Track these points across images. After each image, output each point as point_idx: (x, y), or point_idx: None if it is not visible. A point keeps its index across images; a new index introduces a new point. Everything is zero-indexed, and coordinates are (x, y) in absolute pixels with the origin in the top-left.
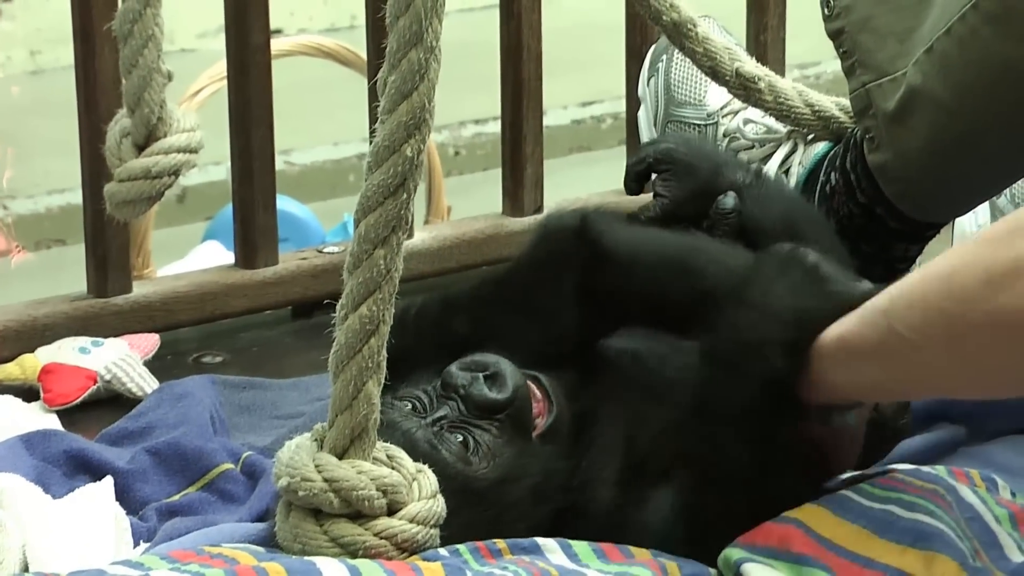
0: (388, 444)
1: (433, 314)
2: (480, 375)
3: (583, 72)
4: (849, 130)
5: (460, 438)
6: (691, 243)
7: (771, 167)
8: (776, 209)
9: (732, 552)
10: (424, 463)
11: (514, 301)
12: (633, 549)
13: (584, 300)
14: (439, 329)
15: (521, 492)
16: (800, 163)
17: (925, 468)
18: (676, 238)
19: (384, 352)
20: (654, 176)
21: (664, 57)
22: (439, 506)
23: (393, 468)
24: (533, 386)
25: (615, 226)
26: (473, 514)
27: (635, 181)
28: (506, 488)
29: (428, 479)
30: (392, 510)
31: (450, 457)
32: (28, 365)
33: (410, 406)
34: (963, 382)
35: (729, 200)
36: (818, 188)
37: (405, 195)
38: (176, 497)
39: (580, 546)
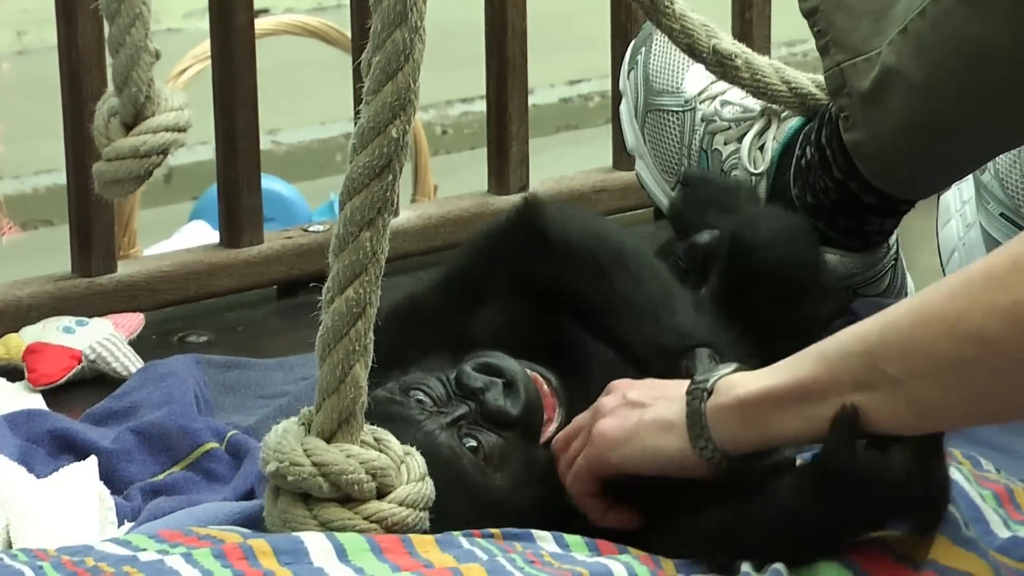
0: (375, 427)
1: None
2: (497, 383)
3: (570, 50)
4: (823, 105)
5: (474, 443)
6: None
7: (745, 143)
8: (766, 257)
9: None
10: (444, 470)
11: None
12: (630, 548)
13: (527, 291)
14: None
15: (529, 500)
16: (774, 138)
17: None
18: (614, 239)
19: (371, 335)
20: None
21: (643, 49)
22: (428, 488)
23: (381, 451)
24: (544, 389)
25: (561, 216)
26: (486, 523)
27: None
28: (516, 497)
29: (416, 462)
30: (381, 493)
31: (470, 467)
32: (12, 345)
33: (423, 396)
34: (968, 419)
35: (705, 237)
36: (793, 162)
37: (391, 176)
38: (160, 476)
39: (572, 539)
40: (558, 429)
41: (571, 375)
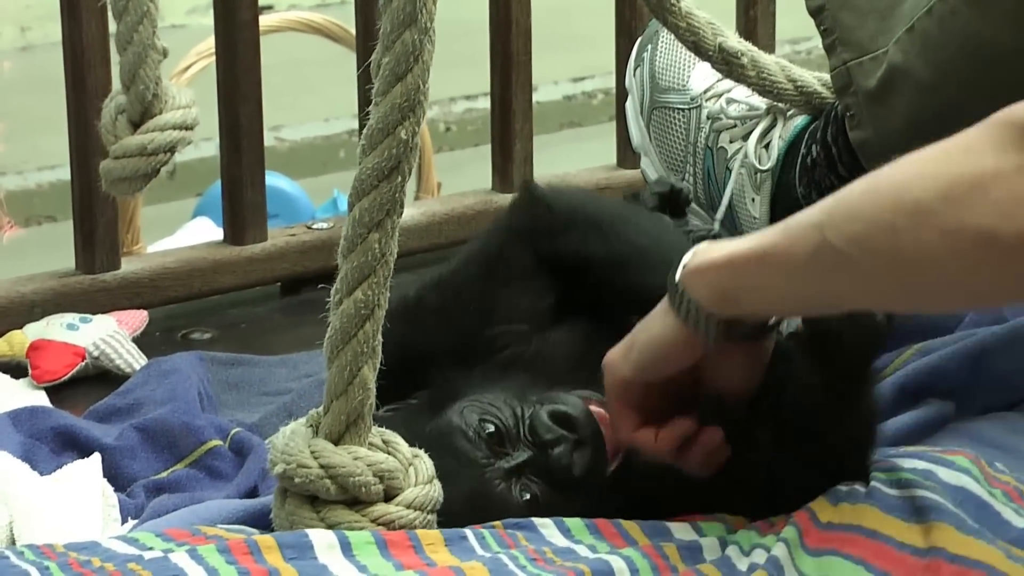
0: (383, 428)
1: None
2: (569, 439)
3: (574, 48)
4: (829, 103)
5: (529, 497)
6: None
7: (751, 141)
8: None
9: (752, 534)
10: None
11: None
12: (633, 534)
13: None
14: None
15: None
16: (780, 136)
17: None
18: (610, 203)
19: (379, 337)
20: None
21: (649, 47)
22: (436, 491)
23: (389, 453)
24: (608, 423)
25: (559, 191)
26: None
27: None
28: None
29: (424, 464)
30: (389, 496)
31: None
32: (16, 341)
33: (493, 430)
34: (901, 296)
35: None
36: (799, 161)
37: (400, 178)
38: (164, 474)
39: (573, 523)
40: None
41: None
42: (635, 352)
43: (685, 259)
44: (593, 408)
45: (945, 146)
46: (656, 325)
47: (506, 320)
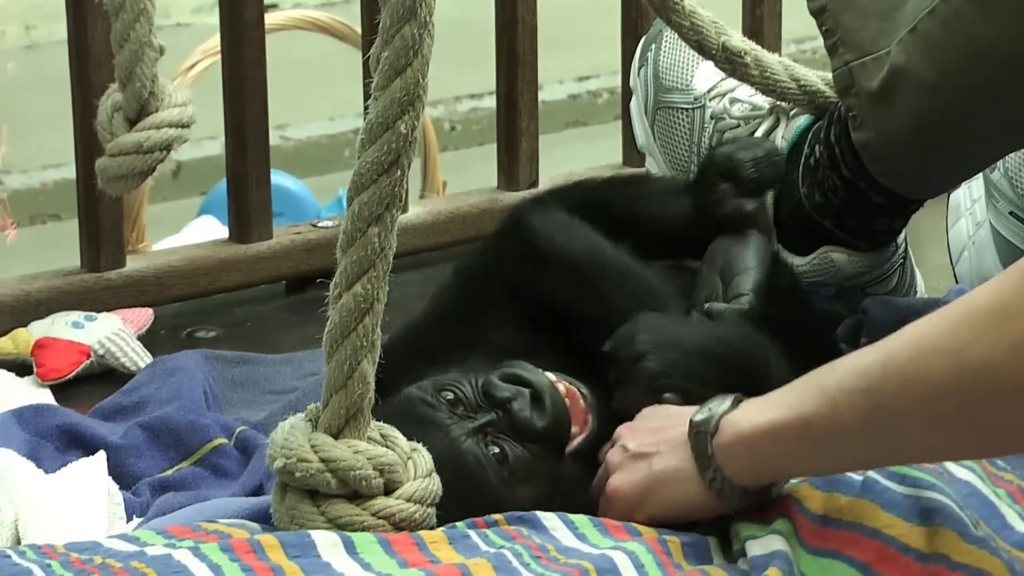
0: (382, 423)
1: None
2: (524, 393)
3: (580, 47)
4: (833, 103)
5: (498, 450)
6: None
7: None
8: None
9: (741, 527)
10: (467, 478)
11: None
12: (638, 527)
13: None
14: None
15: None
16: (783, 137)
17: None
18: (604, 249)
19: (379, 331)
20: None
21: (653, 46)
22: (435, 485)
23: (388, 447)
24: (580, 403)
25: (552, 222)
26: None
27: None
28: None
29: (423, 458)
30: (389, 489)
31: (494, 477)
32: (21, 340)
33: (453, 398)
34: (978, 446)
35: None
36: (802, 161)
37: (399, 172)
38: (169, 472)
39: (578, 517)
40: (587, 439)
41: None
42: (653, 505)
43: (707, 423)
44: (558, 384)
45: (993, 297)
46: (679, 488)
47: (488, 341)
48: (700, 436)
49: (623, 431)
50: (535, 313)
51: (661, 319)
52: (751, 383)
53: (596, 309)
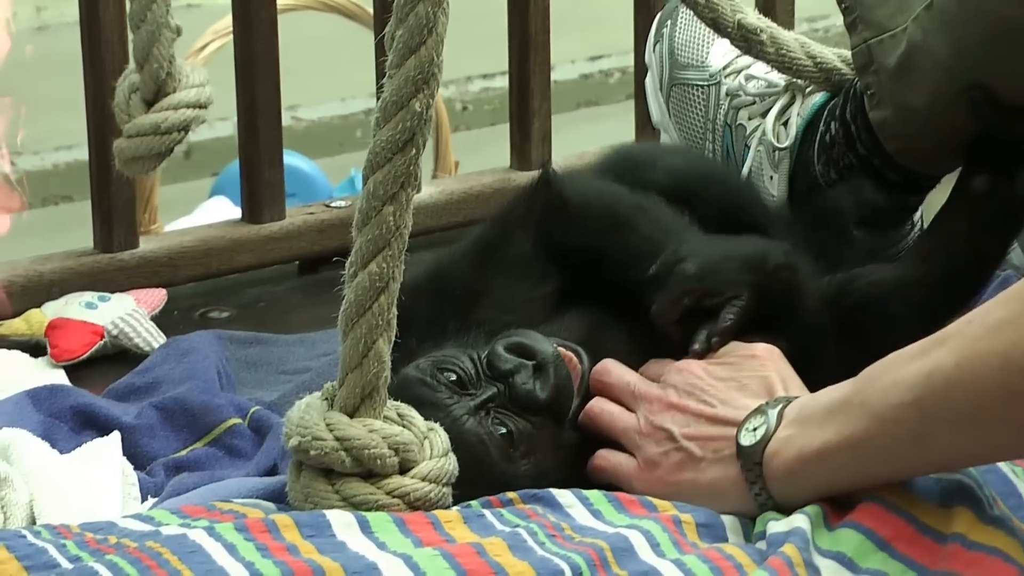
0: (399, 403)
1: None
2: (527, 365)
3: (591, 26)
4: (849, 80)
5: (503, 430)
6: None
7: (769, 119)
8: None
9: (768, 512)
10: (472, 459)
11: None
12: (655, 501)
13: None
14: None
15: (555, 485)
16: (798, 114)
17: None
18: (630, 197)
19: (394, 310)
20: None
21: (668, 22)
22: (451, 464)
23: (404, 426)
24: (576, 367)
25: (578, 183)
26: None
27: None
28: (542, 484)
29: (440, 437)
30: (404, 468)
31: (497, 455)
32: (35, 320)
33: (453, 376)
34: (1013, 449)
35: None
36: (817, 138)
37: (414, 151)
38: (183, 452)
39: (593, 493)
40: (579, 407)
41: (600, 343)
42: (685, 500)
43: (756, 450)
44: (560, 350)
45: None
46: (723, 499)
47: (494, 309)
48: (748, 463)
49: (656, 398)
50: (563, 267)
51: (705, 237)
52: (784, 292)
53: (629, 248)
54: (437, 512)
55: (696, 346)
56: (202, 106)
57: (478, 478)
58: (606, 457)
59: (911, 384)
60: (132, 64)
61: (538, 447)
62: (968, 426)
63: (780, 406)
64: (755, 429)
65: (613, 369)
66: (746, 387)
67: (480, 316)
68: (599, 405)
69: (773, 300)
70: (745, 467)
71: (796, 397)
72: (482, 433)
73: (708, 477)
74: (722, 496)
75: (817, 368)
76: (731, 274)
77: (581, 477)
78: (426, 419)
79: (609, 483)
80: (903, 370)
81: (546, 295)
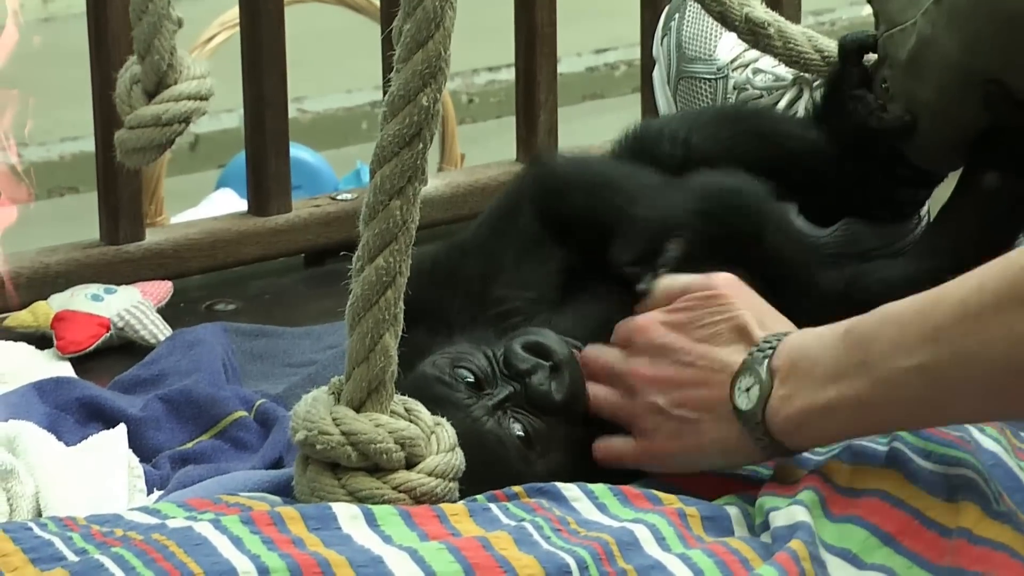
0: (406, 397)
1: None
2: (544, 365)
3: (597, 19)
4: None
5: (520, 430)
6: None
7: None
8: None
9: (765, 500)
10: (490, 458)
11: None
12: (659, 494)
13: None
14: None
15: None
16: (806, 108)
17: None
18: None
19: (401, 304)
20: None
21: (677, 16)
22: (457, 459)
23: (411, 421)
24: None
25: (569, 160)
26: None
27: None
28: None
29: (446, 432)
30: (410, 463)
31: (515, 455)
32: (41, 312)
33: (469, 374)
34: (1020, 411)
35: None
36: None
37: (421, 145)
38: (189, 445)
39: (598, 487)
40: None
41: (600, 324)
42: (691, 466)
43: (751, 409)
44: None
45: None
46: (731, 455)
47: (511, 286)
48: (750, 423)
49: (633, 372)
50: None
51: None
52: (740, 218)
53: (611, 214)
54: (443, 505)
55: (641, 284)
56: (203, 98)
57: (496, 477)
58: (604, 445)
59: (915, 349)
60: (134, 55)
61: (552, 447)
62: (974, 390)
63: (766, 358)
64: (748, 389)
65: (596, 353)
66: (718, 335)
67: (494, 294)
68: (592, 392)
69: (729, 229)
70: (747, 427)
71: (777, 340)
72: (502, 433)
73: (709, 438)
74: (729, 453)
75: (790, 295)
76: (676, 210)
77: (592, 476)
78: (445, 418)
79: (623, 474)
80: (904, 331)
81: (554, 271)
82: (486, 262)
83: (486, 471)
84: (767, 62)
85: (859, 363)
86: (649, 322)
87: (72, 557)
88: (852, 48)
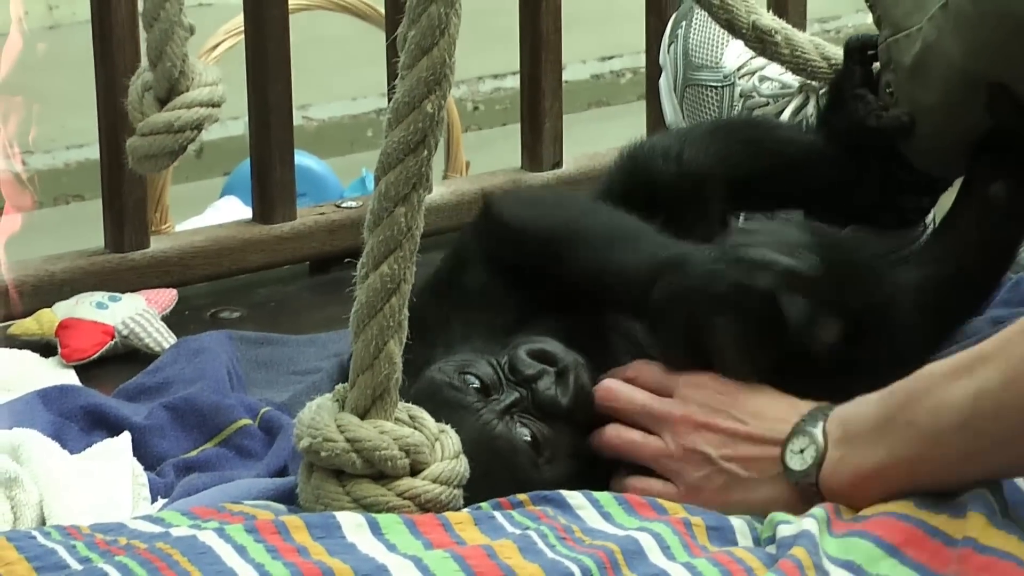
0: (410, 404)
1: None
2: (549, 371)
3: (602, 26)
4: None
5: (528, 435)
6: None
7: (783, 120)
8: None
9: (776, 514)
10: (499, 463)
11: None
12: (664, 503)
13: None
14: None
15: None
16: (812, 115)
17: None
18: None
19: (405, 311)
20: None
21: (683, 23)
22: (462, 466)
23: (415, 428)
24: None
25: (516, 206)
26: None
27: None
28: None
29: (451, 439)
30: (415, 470)
31: (525, 461)
32: (45, 320)
33: (475, 381)
34: None
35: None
36: None
37: (426, 152)
38: (193, 453)
39: (604, 497)
40: None
41: (595, 354)
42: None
43: (804, 470)
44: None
45: None
46: (760, 511)
47: (464, 342)
48: (803, 485)
49: (683, 419)
50: (525, 291)
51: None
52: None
53: (587, 270)
54: (448, 514)
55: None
56: (215, 104)
57: (506, 480)
58: (643, 487)
59: (958, 406)
60: (145, 62)
61: (559, 453)
62: (1019, 443)
63: (820, 423)
64: (802, 451)
65: (619, 390)
66: (765, 390)
67: (495, 320)
68: (618, 433)
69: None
70: (801, 488)
71: (829, 408)
72: (512, 436)
73: (760, 497)
74: (778, 506)
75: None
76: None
77: (596, 483)
78: (456, 423)
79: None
80: (948, 391)
81: (510, 321)
82: (441, 315)
83: (497, 473)
84: (774, 70)
85: (907, 423)
86: (702, 378)
87: (76, 566)
88: (855, 47)
